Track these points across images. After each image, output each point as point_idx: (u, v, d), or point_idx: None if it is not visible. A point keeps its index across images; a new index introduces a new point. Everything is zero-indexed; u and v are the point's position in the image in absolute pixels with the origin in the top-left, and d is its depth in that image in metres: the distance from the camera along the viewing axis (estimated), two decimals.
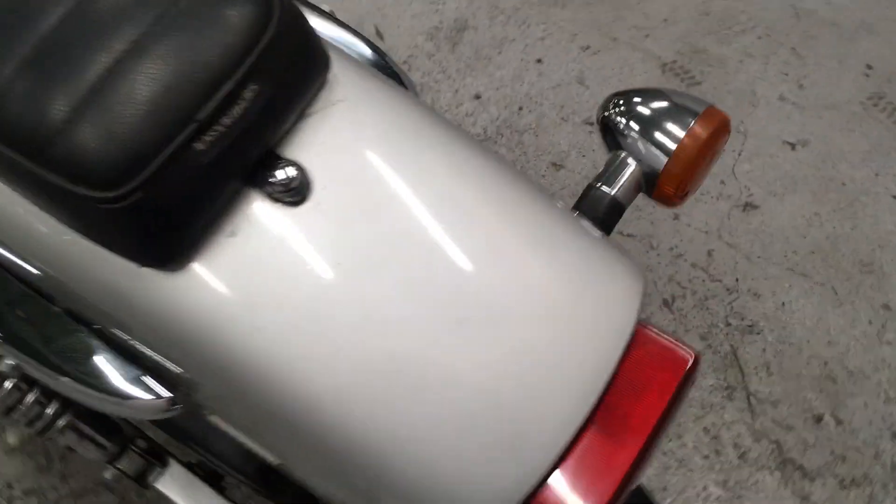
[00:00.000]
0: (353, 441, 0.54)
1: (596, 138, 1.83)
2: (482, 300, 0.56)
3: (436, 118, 0.64)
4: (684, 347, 0.61)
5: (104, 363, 0.60)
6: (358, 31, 0.75)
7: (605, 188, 0.72)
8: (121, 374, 0.61)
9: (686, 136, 0.70)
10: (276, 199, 0.56)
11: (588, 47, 2.04)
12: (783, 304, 1.59)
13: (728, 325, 1.56)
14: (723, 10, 2.14)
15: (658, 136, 0.71)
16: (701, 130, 0.71)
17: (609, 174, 0.73)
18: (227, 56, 0.51)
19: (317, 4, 0.76)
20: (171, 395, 0.60)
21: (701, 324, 1.56)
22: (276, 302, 0.54)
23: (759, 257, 1.65)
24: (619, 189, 0.72)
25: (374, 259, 0.55)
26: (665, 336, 0.61)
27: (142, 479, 0.95)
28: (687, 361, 0.60)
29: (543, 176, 1.78)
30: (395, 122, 0.60)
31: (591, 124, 1.87)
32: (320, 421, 0.54)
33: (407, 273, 0.55)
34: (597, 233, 0.66)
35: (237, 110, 0.51)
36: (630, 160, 0.72)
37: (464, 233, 0.57)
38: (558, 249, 0.60)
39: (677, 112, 0.72)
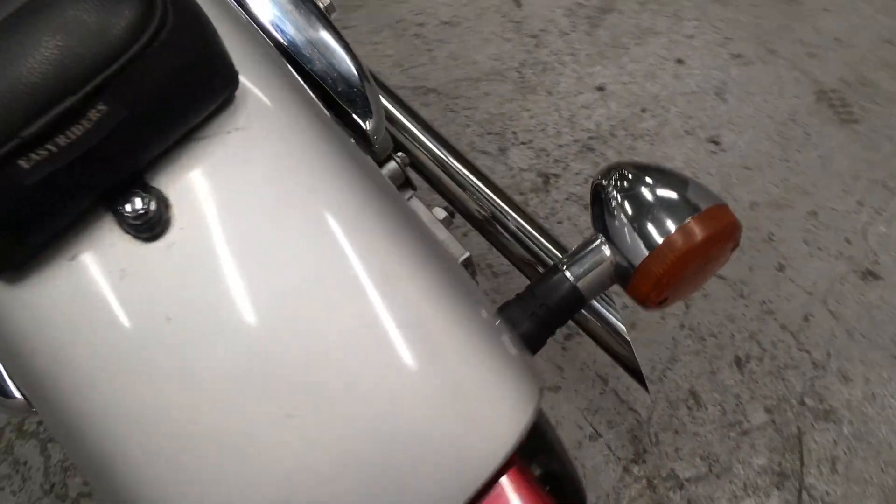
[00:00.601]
0: None
1: (716, 160, 1.65)
2: (318, 394, 0.47)
3: (358, 171, 0.54)
4: None
5: None
6: (347, 41, 0.65)
7: (568, 274, 0.61)
8: None
9: (677, 231, 0.57)
10: (127, 231, 0.49)
11: (739, 56, 1.83)
12: (874, 395, 1.38)
13: (802, 403, 1.38)
14: None
15: (647, 225, 0.58)
16: (697, 229, 0.57)
17: (579, 259, 0.61)
18: (74, 69, 0.44)
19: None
20: (22, 397, 0.57)
21: (771, 394, 1.39)
22: (94, 343, 0.48)
23: (862, 336, 1.44)
24: (583, 280, 0.60)
25: (210, 323, 0.48)
26: (535, 488, 0.50)
27: None
28: None
29: None
30: (295, 166, 0.51)
31: (717, 143, 1.68)
32: (124, 486, 0.48)
33: (242, 347, 0.48)
34: (512, 349, 0.53)
35: (77, 131, 0.44)
36: (605, 250, 0.60)
37: (324, 312, 0.48)
38: (437, 353, 0.49)
39: (678, 202, 0.59)
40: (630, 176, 0.62)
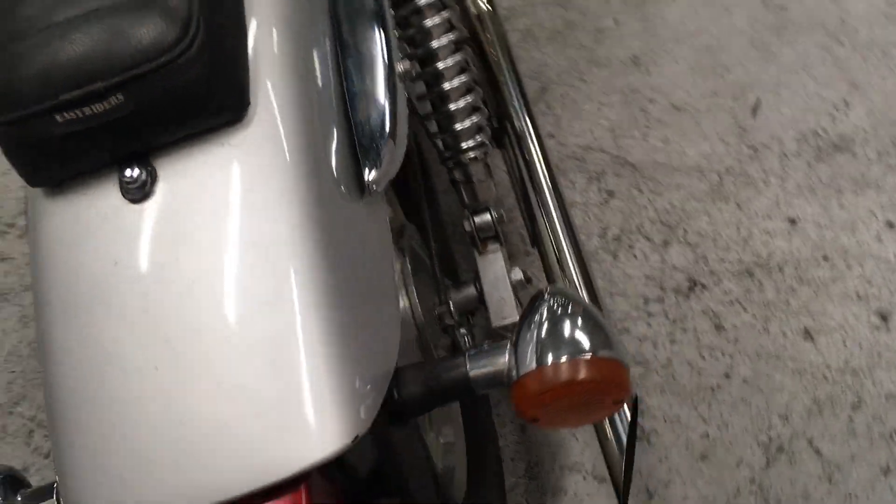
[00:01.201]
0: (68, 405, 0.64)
1: (875, 336, 1.55)
2: (182, 360, 0.61)
3: (319, 219, 0.65)
4: None
5: None
6: (398, 104, 0.75)
7: (467, 362, 0.68)
8: None
9: (566, 362, 0.63)
10: (121, 189, 0.66)
11: None
12: None
13: None
14: None
15: (548, 347, 0.64)
16: (584, 369, 0.62)
17: (483, 354, 0.68)
18: (109, 62, 0.60)
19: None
20: None
21: None
22: (67, 258, 0.66)
23: None
24: (476, 374, 0.67)
25: (140, 275, 0.63)
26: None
27: None
28: None
29: (785, 335, 1.57)
30: (253, 194, 0.64)
31: (885, 319, 1.57)
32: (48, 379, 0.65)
33: (151, 299, 0.63)
34: (353, 398, 0.61)
35: (98, 108, 0.61)
36: (506, 354, 0.67)
37: (219, 303, 0.62)
38: (282, 369, 0.60)
39: (584, 341, 0.64)
40: (569, 309, 0.68)
